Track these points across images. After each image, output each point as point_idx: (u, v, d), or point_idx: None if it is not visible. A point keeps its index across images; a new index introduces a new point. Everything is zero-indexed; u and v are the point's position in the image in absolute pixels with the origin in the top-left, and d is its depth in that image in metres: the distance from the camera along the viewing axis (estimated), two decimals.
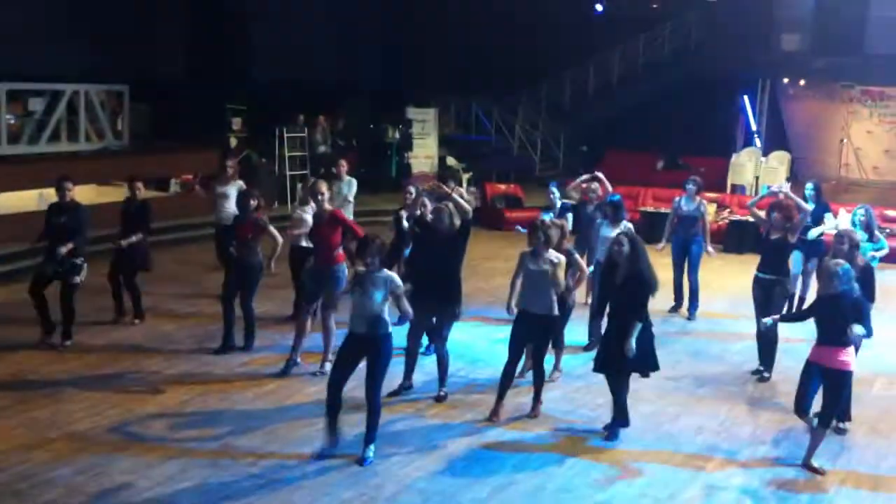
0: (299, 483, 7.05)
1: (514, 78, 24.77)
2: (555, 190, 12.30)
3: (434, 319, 8.93)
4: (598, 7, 26.62)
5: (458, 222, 8.84)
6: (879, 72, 22.13)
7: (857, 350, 7.70)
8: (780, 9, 24.01)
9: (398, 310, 7.42)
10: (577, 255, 9.30)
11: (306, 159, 19.65)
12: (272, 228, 10.11)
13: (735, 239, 16.92)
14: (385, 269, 7.41)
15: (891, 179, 23.09)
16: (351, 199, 12.56)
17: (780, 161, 21.69)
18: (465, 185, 21.25)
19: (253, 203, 10.09)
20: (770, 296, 9.56)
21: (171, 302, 12.02)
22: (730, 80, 23.31)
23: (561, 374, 9.53)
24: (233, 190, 12.10)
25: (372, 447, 7.44)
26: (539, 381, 8.55)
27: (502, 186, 20.54)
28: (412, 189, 10.91)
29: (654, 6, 26.21)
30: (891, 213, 17.24)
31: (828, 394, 7.47)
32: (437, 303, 8.77)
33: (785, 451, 7.98)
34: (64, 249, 9.71)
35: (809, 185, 12.12)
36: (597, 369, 8.18)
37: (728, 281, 13.95)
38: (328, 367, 9.27)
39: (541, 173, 23.78)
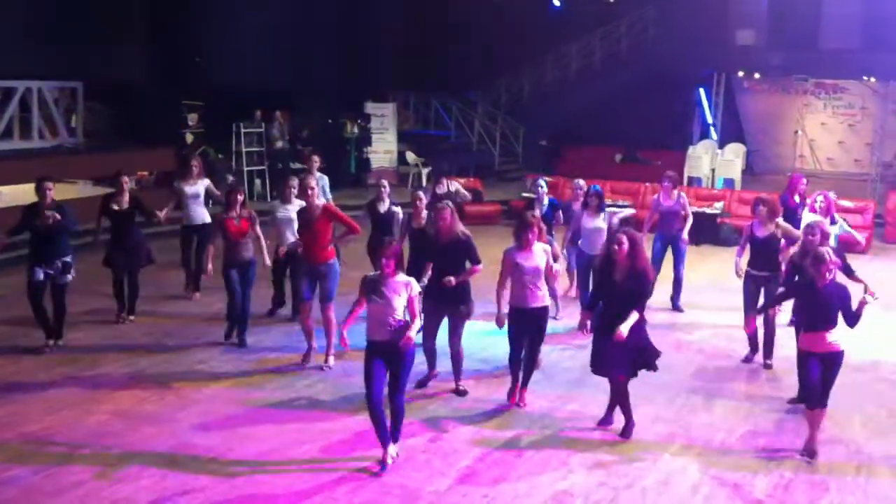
0: (259, 480, 7.01)
1: (473, 73, 24.80)
2: (542, 183, 12.14)
3: (447, 319, 8.85)
4: (556, 2, 26.72)
5: (461, 227, 8.76)
6: (833, 65, 22.46)
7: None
8: (734, 4, 24.27)
9: (408, 312, 7.25)
10: (556, 245, 9.37)
11: (264, 155, 19.56)
12: (258, 228, 10.08)
13: (692, 230, 17.01)
14: (402, 273, 7.28)
15: (845, 170, 23.44)
16: (328, 195, 12.42)
17: (735, 153, 21.96)
18: (423, 179, 21.36)
19: (240, 198, 10.03)
20: (767, 291, 9.65)
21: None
22: (686, 74, 23.52)
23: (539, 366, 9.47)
24: (201, 188, 12.01)
25: (394, 446, 7.31)
26: (529, 372, 8.59)
27: (462, 181, 20.52)
28: (385, 183, 11.03)
29: (611, 1, 26.36)
30: (845, 203, 17.51)
31: (826, 378, 7.54)
32: (447, 303, 8.72)
33: (742, 439, 8.06)
34: (50, 219, 9.51)
35: (820, 198, 11.99)
36: (597, 371, 8.09)
37: (688, 272, 13.93)
38: (332, 360, 9.45)
39: (500, 167, 23.85)
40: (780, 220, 9.86)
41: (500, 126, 24.53)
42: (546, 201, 11.84)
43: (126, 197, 10.82)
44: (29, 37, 17.82)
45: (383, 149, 22.54)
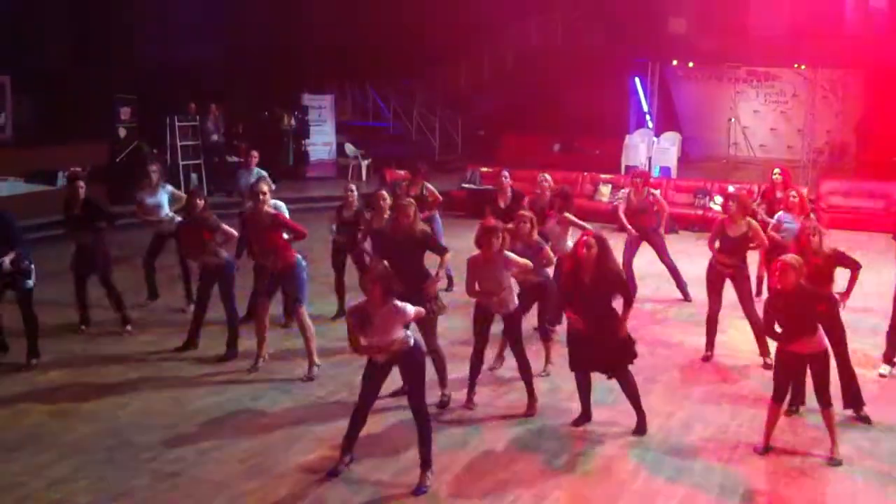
0: (200, 476, 6.94)
1: (411, 63, 24.75)
2: (506, 174, 11.77)
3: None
4: None
5: (421, 225, 8.55)
6: (763, 53, 22.82)
7: None
8: None
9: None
10: (547, 248, 9.12)
11: (199, 148, 19.31)
12: (224, 226, 9.61)
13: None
14: (393, 300, 6.77)
15: (777, 157, 23.84)
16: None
17: (671, 141, 22.22)
18: (363, 171, 21.27)
19: (200, 203, 9.66)
20: (734, 284, 9.58)
21: (65, 300, 11.56)
22: (621, 63, 23.73)
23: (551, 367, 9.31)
24: (164, 197, 11.42)
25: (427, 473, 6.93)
26: (526, 378, 8.39)
27: (402, 172, 20.50)
28: (353, 187, 10.83)
29: None
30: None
31: (817, 377, 7.42)
32: (415, 304, 8.51)
33: (703, 425, 8.17)
34: (7, 260, 8.93)
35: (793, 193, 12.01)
36: (580, 369, 7.98)
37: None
38: (316, 370, 9.09)
39: (440, 158, 23.85)
40: (751, 220, 9.69)
41: (439, 116, 24.52)
42: (510, 192, 11.55)
43: (80, 201, 10.28)
44: None
45: (322, 141, 22.40)
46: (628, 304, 7.76)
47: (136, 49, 20.08)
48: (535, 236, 9.01)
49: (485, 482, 6.95)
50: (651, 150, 21.83)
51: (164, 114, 18.91)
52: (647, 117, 24.46)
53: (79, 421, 7.94)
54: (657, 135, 22.74)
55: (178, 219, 11.06)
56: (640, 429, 7.88)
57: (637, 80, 24.70)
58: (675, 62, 24.42)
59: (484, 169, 19.34)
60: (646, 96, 24.56)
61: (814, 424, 7.86)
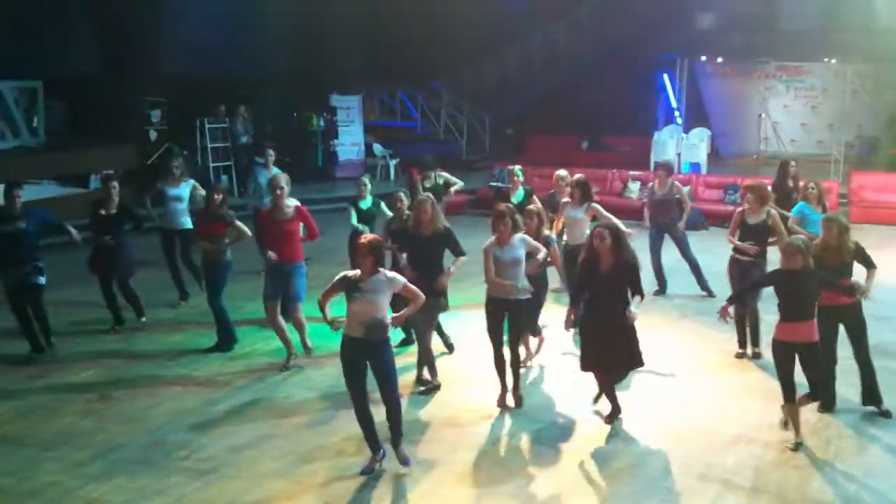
0: (232, 475, 7.01)
1: (438, 63, 24.78)
2: (518, 171, 11.88)
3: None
4: None
5: (442, 220, 8.65)
6: (793, 47, 22.66)
7: None
8: None
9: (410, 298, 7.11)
10: (555, 245, 9.20)
11: (229, 150, 19.44)
12: (239, 223, 9.77)
13: None
14: (383, 270, 7.01)
15: (807, 151, 23.67)
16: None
17: (700, 138, 22.09)
18: (391, 171, 21.31)
19: (218, 198, 9.79)
20: (749, 276, 9.38)
21: (94, 300, 11.70)
22: (649, 59, 23.65)
23: (532, 359, 9.48)
24: (185, 190, 11.67)
25: (402, 446, 7.15)
26: (514, 371, 8.39)
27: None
28: (365, 180, 10.97)
29: None
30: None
31: (808, 369, 7.47)
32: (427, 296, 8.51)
33: (708, 419, 8.14)
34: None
35: (793, 163, 12.10)
36: (591, 370, 8.02)
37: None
38: (293, 362, 9.30)
39: (467, 157, 23.86)
40: (772, 210, 9.62)
41: (467, 116, 24.53)
42: (520, 189, 11.64)
43: (115, 202, 10.49)
44: None
45: (350, 141, 22.49)
46: (640, 295, 7.74)
47: (165, 53, 20.21)
48: (545, 231, 9.13)
49: (511, 481, 6.97)
50: (680, 146, 21.71)
51: (194, 116, 19.06)
52: (676, 114, 24.34)
53: (112, 420, 8.04)
54: (686, 131, 22.62)
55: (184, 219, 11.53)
56: (614, 413, 7.96)
57: (665, 76, 24.60)
58: (703, 58, 24.29)
59: (512, 167, 19.29)
60: (674, 93, 24.44)
61: (842, 422, 7.82)
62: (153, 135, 18.61)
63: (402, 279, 7.09)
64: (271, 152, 13.25)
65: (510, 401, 8.35)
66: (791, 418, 7.57)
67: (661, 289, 12.16)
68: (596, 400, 8.22)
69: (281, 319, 9.44)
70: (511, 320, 8.31)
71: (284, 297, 9.41)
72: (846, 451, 7.47)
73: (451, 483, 6.93)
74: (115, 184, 10.58)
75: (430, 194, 9.07)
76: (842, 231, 8.08)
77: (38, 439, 7.63)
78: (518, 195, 11.54)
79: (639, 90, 24.20)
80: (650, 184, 12.48)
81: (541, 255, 8.59)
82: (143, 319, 10.74)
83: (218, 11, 20.74)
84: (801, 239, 7.51)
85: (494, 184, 19.15)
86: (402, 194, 10.10)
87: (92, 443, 7.55)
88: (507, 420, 8.13)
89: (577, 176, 11.07)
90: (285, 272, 9.27)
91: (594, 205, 10.43)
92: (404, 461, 7.06)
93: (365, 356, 6.93)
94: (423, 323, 8.52)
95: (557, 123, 23.52)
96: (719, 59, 24.37)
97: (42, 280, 9.57)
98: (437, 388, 8.72)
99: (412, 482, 6.93)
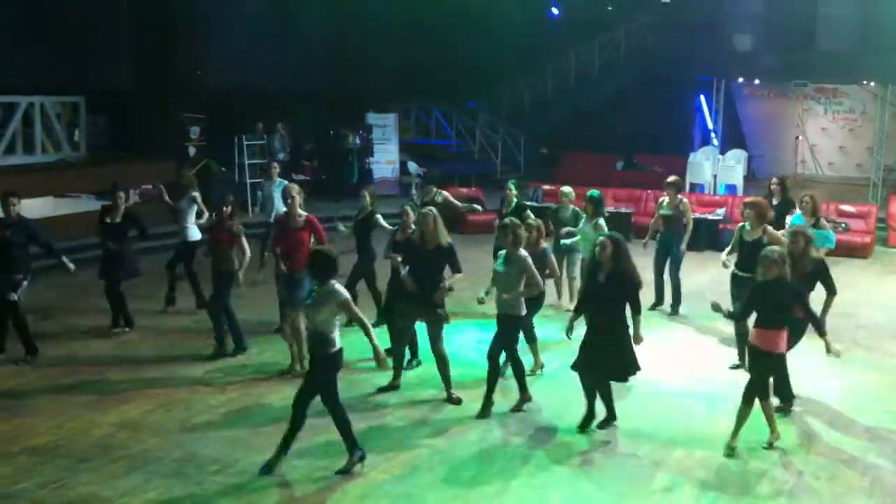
0: (265, 489, 7.05)
1: (473, 82, 24.87)
2: (512, 187, 12.35)
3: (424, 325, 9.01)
4: (555, 10, 26.81)
5: (444, 235, 8.84)
6: (831, 69, 22.51)
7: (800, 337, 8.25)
8: (731, 9, 24.34)
9: (349, 318, 7.30)
10: (551, 256, 9.44)
11: (266, 167, 19.58)
12: (244, 240, 10.03)
13: (693, 236, 17.04)
14: (332, 282, 7.21)
15: (845, 175, 23.49)
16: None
17: (737, 159, 21.98)
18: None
19: (227, 210, 10.06)
20: (745, 290, 9.57)
21: (132, 313, 11.90)
22: (685, 80, 23.60)
23: (541, 369, 9.68)
24: (186, 204, 12.02)
25: (358, 451, 7.33)
26: (518, 378, 8.65)
27: (464, 190, 20.60)
28: (366, 194, 11.27)
29: (609, 8, 26.43)
30: (846, 207, 17.53)
31: (752, 371, 7.82)
32: (423, 309, 8.84)
33: (745, 442, 8.07)
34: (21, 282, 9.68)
35: (774, 180, 12.39)
36: (577, 369, 8.20)
37: (686, 278, 13.96)
38: (299, 368, 9.47)
39: (502, 176, 23.87)
40: (768, 226, 9.87)
41: (502, 134, 24.58)
42: (513, 202, 12.09)
43: (120, 211, 10.95)
44: (30, 53, 17.93)
45: (385, 159, 22.62)
46: (636, 311, 7.94)
47: (205, 70, 20.49)
48: (543, 244, 9.40)
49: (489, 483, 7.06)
50: (716, 167, 21.62)
51: (233, 133, 19.27)
52: (713, 135, 24.25)
53: (147, 433, 8.11)
54: (722, 153, 22.52)
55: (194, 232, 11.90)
56: (608, 421, 8.20)
57: (702, 97, 24.52)
58: (740, 79, 24.19)
59: (546, 186, 19.33)
60: (711, 114, 24.36)
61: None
62: (192, 150, 18.82)
63: (344, 294, 7.20)
64: (275, 165, 13.68)
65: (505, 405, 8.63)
66: (767, 417, 7.85)
67: (658, 302, 12.40)
68: (581, 427, 8.28)
69: (302, 326, 9.54)
70: (499, 329, 8.52)
71: (292, 303, 9.56)
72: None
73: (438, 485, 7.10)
74: (122, 194, 11.10)
75: (433, 208, 9.20)
76: (807, 244, 8.61)
77: (73, 450, 7.71)
78: (510, 209, 11.93)
79: (675, 111, 24.14)
80: (659, 199, 12.73)
81: (531, 288, 8.59)
82: (116, 330, 11.01)
83: (257, 30, 21.01)
84: (777, 251, 7.82)
85: (528, 202, 19.17)
86: (408, 207, 10.28)
87: (126, 455, 7.62)
88: (501, 424, 8.35)
89: (589, 192, 11.54)
90: (297, 281, 9.52)
91: (600, 221, 11.00)
92: (357, 462, 7.29)
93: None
94: (432, 337, 8.85)
95: (592, 143, 23.50)
96: (756, 81, 24.26)
97: (14, 297, 9.72)
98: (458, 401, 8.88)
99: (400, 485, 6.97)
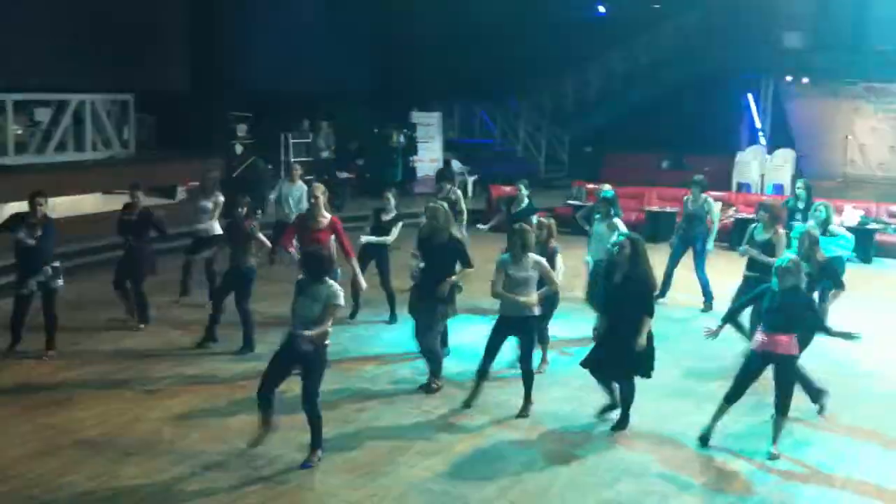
0: (308, 486, 7.11)
1: (517, 81, 24.83)
2: (522, 187, 12.32)
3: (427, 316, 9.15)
4: (601, 8, 26.66)
5: (452, 230, 9.05)
6: (882, 68, 22.14)
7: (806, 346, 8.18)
8: (781, 6, 24.02)
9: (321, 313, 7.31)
10: (559, 256, 9.47)
11: (311, 165, 19.74)
12: (260, 236, 10.30)
13: (740, 236, 16.88)
14: (329, 281, 7.39)
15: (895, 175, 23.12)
16: (306, 203, 12.77)
17: (785, 159, 21.72)
18: (470, 187, 21.42)
19: (242, 210, 10.29)
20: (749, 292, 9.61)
21: (178, 308, 12.09)
22: (733, 78, 23.36)
23: (548, 366, 9.75)
24: (209, 203, 12.25)
25: (319, 452, 7.45)
26: (529, 383, 8.63)
27: (507, 188, 20.59)
28: (389, 195, 11.39)
29: (656, 6, 26.23)
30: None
31: (780, 382, 7.75)
32: (431, 302, 8.97)
33: (788, 446, 8.00)
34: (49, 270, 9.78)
35: (799, 183, 12.70)
36: (589, 367, 8.31)
37: (728, 278, 13.85)
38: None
39: (546, 175, 23.84)
40: (780, 229, 10.02)
41: (545, 133, 24.51)
42: (525, 202, 12.16)
43: (137, 209, 11.15)
44: (80, 51, 18.19)
45: (429, 157, 22.66)
46: (648, 314, 7.99)
47: (252, 68, 20.67)
48: (553, 243, 9.39)
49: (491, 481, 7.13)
50: (764, 167, 21.38)
51: (279, 131, 19.43)
52: (760, 134, 23.97)
53: (191, 427, 8.21)
54: (770, 152, 22.26)
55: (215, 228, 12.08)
56: (620, 425, 8.24)
57: (750, 95, 24.25)
58: (789, 78, 23.88)
59: (590, 185, 19.24)
60: (759, 112, 24.09)
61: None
62: (239, 148, 19.00)
63: (339, 298, 7.35)
64: (297, 166, 13.86)
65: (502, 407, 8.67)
66: (717, 414, 7.90)
67: (661, 294, 12.32)
68: (601, 413, 8.45)
69: None
70: (520, 337, 8.55)
71: None
72: None
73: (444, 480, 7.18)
74: (139, 193, 11.34)
75: (444, 203, 9.43)
76: (812, 244, 8.79)
77: (120, 444, 7.83)
78: (521, 208, 12.10)
79: (722, 110, 23.90)
80: (685, 197, 12.77)
81: (550, 288, 8.63)
82: (142, 326, 11.13)
83: (304, 29, 21.14)
84: (792, 259, 7.82)
85: (572, 201, 19.11)
86: (432, 203, 10.32)
87: (172, 449, 7.73)
88: (541, 423, 8.39)
89: (603, 191, 11.60)
90: None
91: (615, 220, 10.89)
92: (304, 464, 7.36)
93: (298, 359, 7.40)
94: (428, 329, 9.02)
95: (637, 142, 23.36)
96: (805, 80, 23.93)
97: (59, 283, 9.88)
98: (438, 389, 9.08)
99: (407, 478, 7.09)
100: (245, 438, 7.91)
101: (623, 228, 10.37)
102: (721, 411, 7.93)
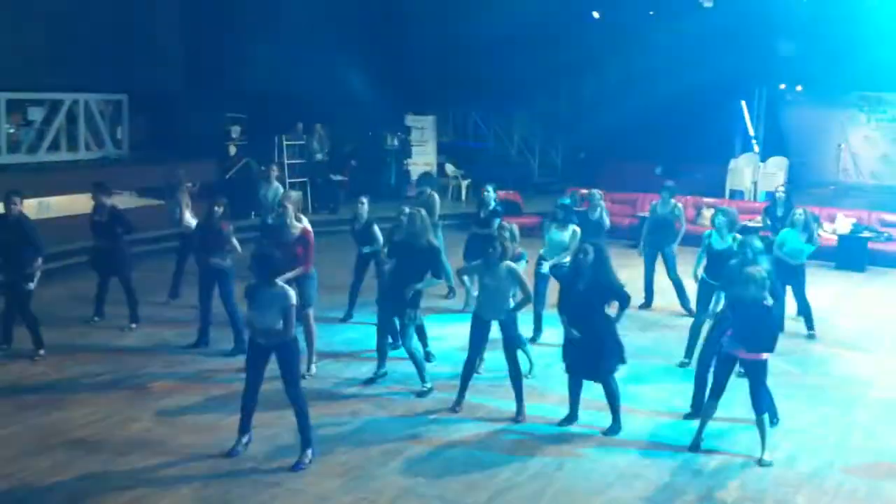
0: (298, 488, 7.09)
1: (512, 85, 24.81)
2: (489, 189, 12.30)
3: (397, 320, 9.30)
4: (595, 14, 26.68)
5: (429, 236, 9.10)
6: (875, 77, 22.18)
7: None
8: (776, 15, 24.04)
9: (283, 322, 7.27)
10: (525, 259, 9.56)
11: (305, 167, 19.72)
12: (234, 240, 10.26)
13: None
14: (280, 284, 7.39)
15: (888, 184, 23.14)
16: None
17: (778, 166, 21.76)
18: (463, 191, 21.43)
19: (218, 211, 10.24)
20: (717, 300, 9.49)
21: (170, 309, 12.08)
22: (727, 85, 23.36)
23: (532, 369, 9.70)
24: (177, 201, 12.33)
25: (310, 453, 7.47)
26: (518, 387, 8.65)
27: (501, 193, 20.56)
28: (364, 200, 11.43)
29: (651, 13, 26.25)
30: (889, 217, 17.31)
31: (753, 384, 7.77)
32: (399, 305, 9.03)
33: (781, 453, 8.02)
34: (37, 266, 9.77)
35: (780, 188, 13.05)
36: (570, 372, 8.42)
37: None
38: (314, 369, 9.65)
39: (539, 180, 23.84)
40: (738, 235, 9.99)
41: (540, 138, 24.51)
42: (491, 205, 12.12)
43: (106, 210, 11.11)
44: (75, 50, 18.15)
45: (423, 161, 22.65)
46: (622, 307, 8.12)
47: (246, 71, 20.65)
48: (518, 249, 9.50)
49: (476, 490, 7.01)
50: (757, 174, 21.42)
51: (273, 133, 19.39)
52: (753, 141, 24.01)
53: (183, 428, 8.19)
54: (763, 159, 22.30)
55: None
56: (612, 430, 8.26)
57: (743, 103, 24.29)
58: (782, 86, 23.93)
59: (583, 191, 19.21)
60: (752, 120, 24.13)
61: None
62: (232, 150, 18.96)
63: (293, 296, 7.32)
64: (274, 167, 13.84)
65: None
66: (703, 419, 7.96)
67: (647, 303, 12.62)
68: (562, 423, 8.47)
69: (313, 327, 9.70)
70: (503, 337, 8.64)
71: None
72: None
73: (436, 485, 7.15)
74: (104, 193, 11.19)
75: (422, 209, 9.43)
76: (756, 254, 8.60)
77: (112, 444, 7.80)
78: (487, 211, 12.10)
79: (716, 117, 23.90)
80: (653, 202, 12.94)
81: (519, 296, 8.65)
82: (133, 326, 11.14)
83: (299, 31, 21.10)
84: (758, 269, 7.78)
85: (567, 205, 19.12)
86: (406, 208, 10.41)
87: (163, 450, 7.71)
88: (532, 428, 8.39)
89: (561, 199, 11.68)
90: (297, 285, 9.39)
91: (575, 227, 10.86)
92: (295, 465, 7.39)
93: (268, 356, 7.46)
94: (402, 334, 9.18)
95: (631, 148, 23.37)
96: (799, 87, 23.98)
97: (31, 286, 9.82)
98: (429, 391, 9.14)
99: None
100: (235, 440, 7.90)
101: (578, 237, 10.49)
102: (708, 412, 7.94)
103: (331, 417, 8.50)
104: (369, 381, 9.40)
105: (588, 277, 8.04)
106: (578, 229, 10.83)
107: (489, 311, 8.58)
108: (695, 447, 7.94)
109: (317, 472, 7.34)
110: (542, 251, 11.10)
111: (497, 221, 11.46)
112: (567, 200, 11.44)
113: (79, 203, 15.26)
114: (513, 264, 8.64)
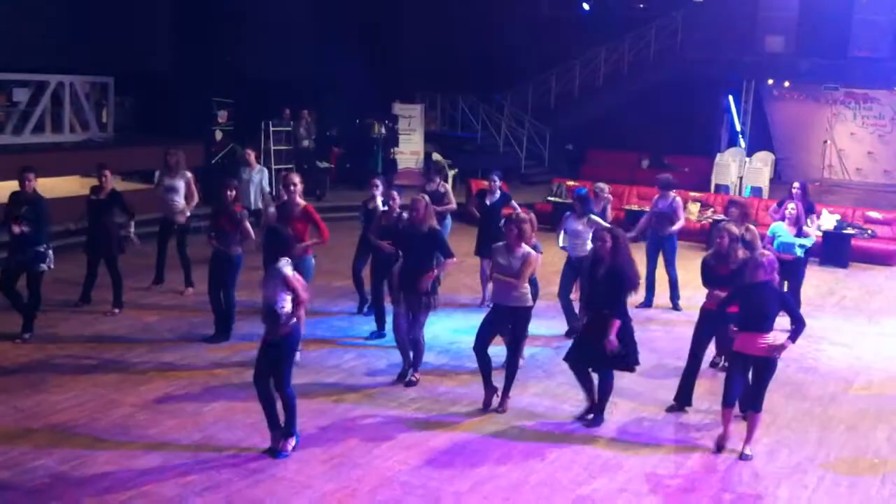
0: (281, 475, 7.08)
1: (501, 76, 24.79)
2: (495, 178, 12.30)
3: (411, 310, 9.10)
4: (585, 6, 26.68)
5: (432, 222, 9.01)
6: (863, 74, 22.28)
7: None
8: (764, 10, 24.10)
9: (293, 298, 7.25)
10: (540, 250, 9.45)
11: (292, 153, 19.65)
12: (247, 224, 10.10)
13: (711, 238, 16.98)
14: (283, 260, 7.32)
15: (873, 181, 23.28)
16: (266, 188, 13.06)
17: (763, 161, 21.84)
18: (450, 181, 21.40)
19: (231, 195, 10.11)
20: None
21: (154, 294, 12.05)
22: (715, 80, 23.41)
23: (525, 361, 9.70)
24: (180, 182, 12.14)
25: (293, 441, 7.46)
26: (511, 376, 8.67)
27: (486, 182, 20.56)
28: (378, 182, 11.25)
29: (641, 6, 26.27)
30: (873, 214, 17.39)
31: (756, 380, 7.77)
32: (413, 294, 8.90)
33: (762, 446, 8.06)
34: (17, 230, 9.67)
35: (796, 184, 12.70)
36: (568, 360, 8.38)
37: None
38: (299, 356, 9.36)
39: (526, 170, 23.85)
40: (751, 226, 10.08)
41: (527, 129, 24.52)
42: (497, 194, 12.10)
43: (107, 190, 11.09)
44: (61, 31, 18.03)
45: (410, 149, 22.62)
46: (619, 301, 8.06)
47: (234, 56, 20.55)
48: (533, 239, 9.29)
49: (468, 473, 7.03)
50: (743, 169, 21.48)
51: (260, 118, 19.31)
52: (740, 136, 24.09)
53: (166, 414, 8.16)
54: (749, 154, 22.37)
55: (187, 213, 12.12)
56: (595, 421, 8.29)
57: (731, 97, 24.35)
58: (770, 81, 23.99)
59: (570, 183, 19.27)
60: (739, 114, 24.19)
61: None
62: (219, 135, 18.87)
63: (289, 272, 7.26)
64: (250, 151, 13.86)
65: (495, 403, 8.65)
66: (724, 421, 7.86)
67: (647, 303, 12.56)
68: (582, 416, 8.47)
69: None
70: (514, 324, 8.58)
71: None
72: None
73: (418, 474, 7.11)
74: (108, 172, 11.21)
75: (425, 195, 9.39)
76: (732, 240, 8.59)
77: (93, 429, 7.77)
78: (495, 199, 12.06)
79: (703, 111, 23.96)
80: (654, 198, 12.84)
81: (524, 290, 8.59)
82: (116, 311, 11.08)
83: (288, 17, 21.02)
84: (766, 255, 7.81)
85: (552, 198, 19.14)
86: (395, 192, 10.45)
87: (145, 435, 7.68)
88: (518, 418, 8.39)
89: (577, 190, 11.44)
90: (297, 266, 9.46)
91: (593, 217, 10.76)
92: (275, 452, 7.38)
93: (270, 347, 7.38)
94: (415, 321, 8.98)
95: (618, 140, 23.41)
96: (786, 83, 24.05)
97: (43, 267, 9.90)
98: (416, 382, 9.13)
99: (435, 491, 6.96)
100: (220, 426, 7.89)
101: (602, 223, 10.37)
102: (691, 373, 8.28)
103: (315, 405, 8.48)
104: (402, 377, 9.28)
105: (607, 265, 8.02)
106: (597, 218, 10.75)
107: (507, 297, 8.45)
108: (676, 406, 8.39)
109: (300, 460, 7.33)
110: (561, 243, 11.12)
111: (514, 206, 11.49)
112: (583, 190, 11.35)
113: (62, 186, 15.20)
114: (530, 250, 8.53)
